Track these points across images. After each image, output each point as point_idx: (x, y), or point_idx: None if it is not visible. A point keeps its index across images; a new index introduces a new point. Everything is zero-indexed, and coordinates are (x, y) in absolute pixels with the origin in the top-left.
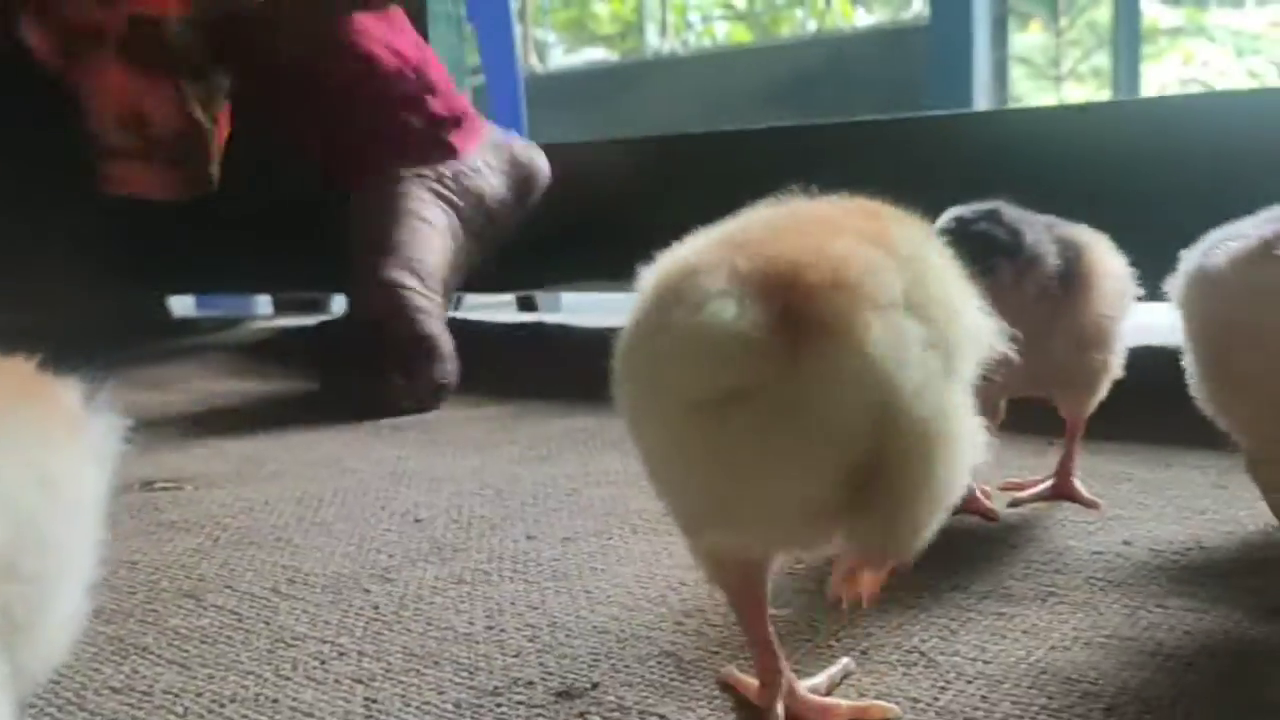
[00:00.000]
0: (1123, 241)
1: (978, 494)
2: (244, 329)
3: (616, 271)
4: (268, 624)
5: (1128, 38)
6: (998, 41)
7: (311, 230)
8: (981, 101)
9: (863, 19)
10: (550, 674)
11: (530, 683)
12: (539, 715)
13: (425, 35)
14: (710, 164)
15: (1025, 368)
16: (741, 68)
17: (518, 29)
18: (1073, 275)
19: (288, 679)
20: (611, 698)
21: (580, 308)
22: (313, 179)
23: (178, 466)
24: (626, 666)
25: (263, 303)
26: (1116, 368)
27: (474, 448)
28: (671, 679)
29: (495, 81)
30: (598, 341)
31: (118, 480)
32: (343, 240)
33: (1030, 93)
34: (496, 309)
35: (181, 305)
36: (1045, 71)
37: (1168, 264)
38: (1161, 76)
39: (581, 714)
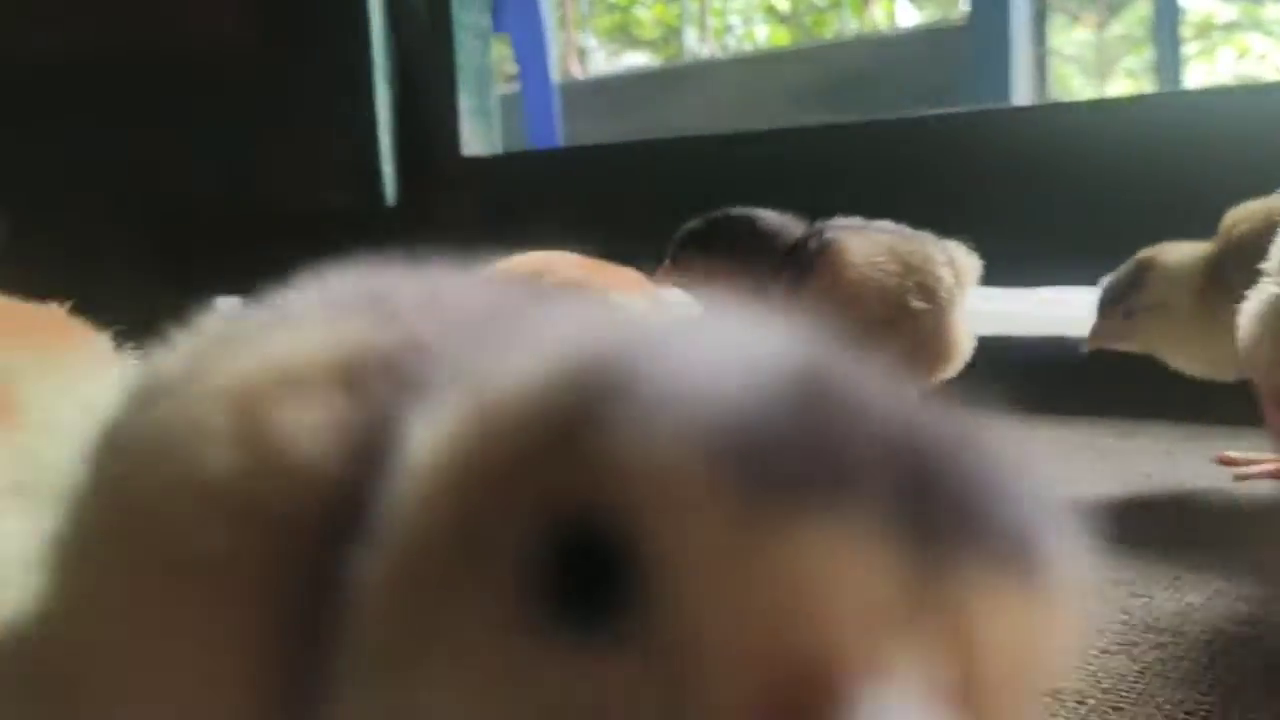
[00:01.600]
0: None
1: None
2: None
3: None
4: None
5: (1168, 32)
6: (1037, 38)
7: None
8: (1020, 99)
9: (911, 18)
10: None
11: None
12: None
13: (450, 46)
14: (736, 164)
15: None
16: (782, 70)
17: (558, 36)
18: (803, 275)
19: None
20: None
21: None
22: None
23: None
24: None
25: None
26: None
27: None
28: None
29: (530, 89)
30: None
31: None
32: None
33: (1076, 90)
34: None
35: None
36: (1092, 68)
37: None
38: (1215, 71)
39: None
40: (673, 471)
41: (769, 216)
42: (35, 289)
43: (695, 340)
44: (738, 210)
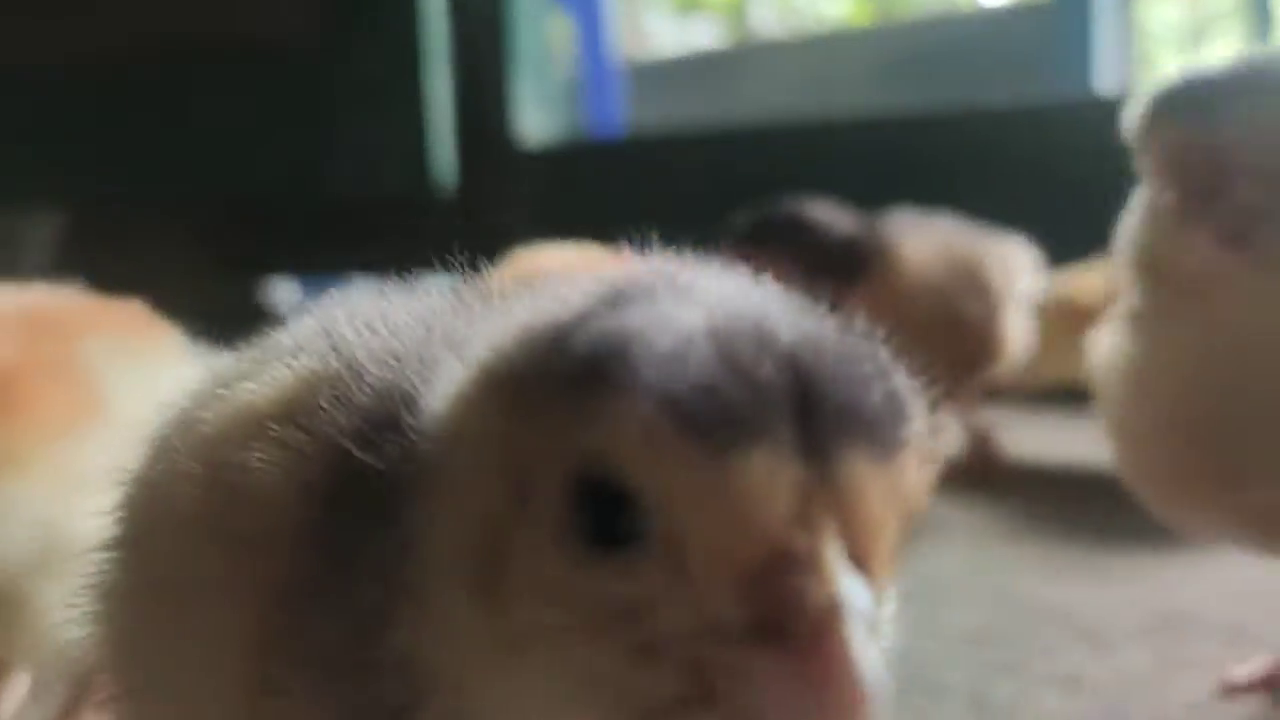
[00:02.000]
0: None
1: None
2: None
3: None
4: None
5: (1261, 9)
6: (1124, 18)
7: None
8: (1104, 80)
9: None
10: None
11: None
12: None
13: (508, 33)
14: (801, 152)
15: None
16: (856, 52)
17: (621, 15)
18: (855, 274)
19: None
20: None
21: None
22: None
23: None
24: None
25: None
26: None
27: None
28: None
29: (592, 72)
30: None
31: None
32: None
33: (1164, 70)
34: None
35: (286, 298)
36: (1182, 47)
37: None
38: None
39: None
40: (649, 433)
41: (821, 210)
42: (108, 278)
43: (649, 321)
44: (790, 202)
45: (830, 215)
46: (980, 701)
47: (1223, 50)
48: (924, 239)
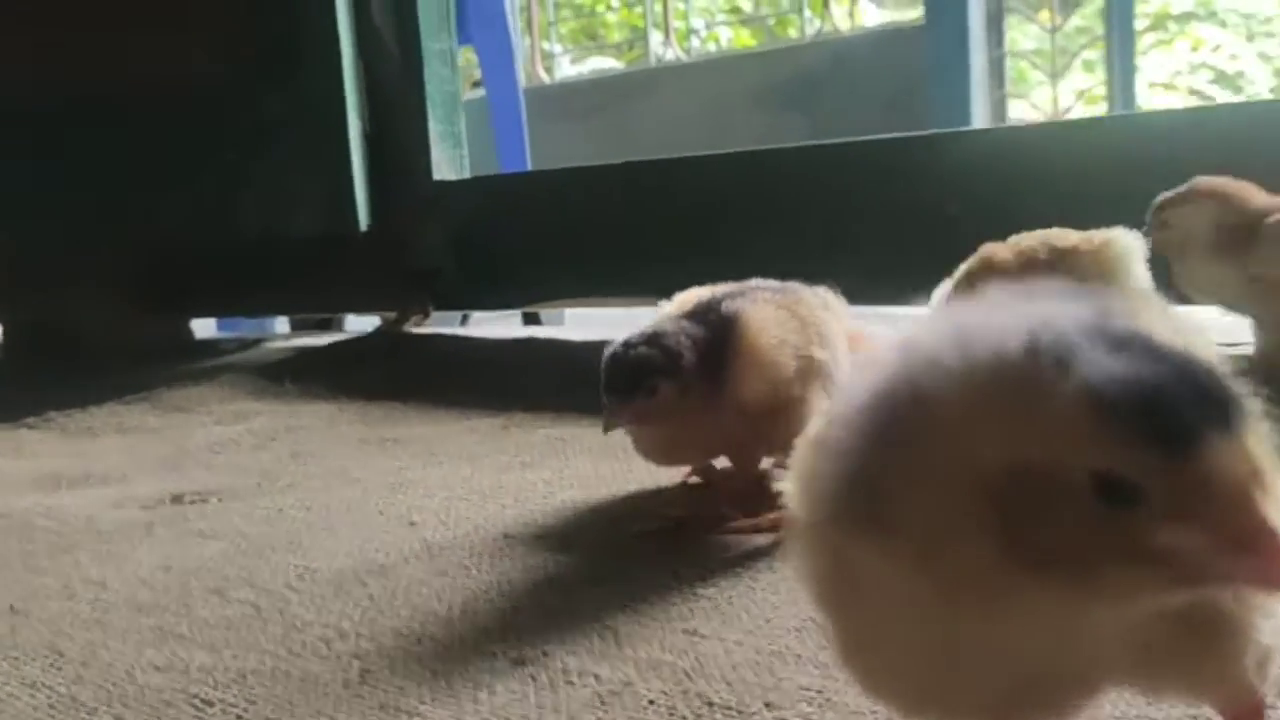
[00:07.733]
0: None
1: None
2: (262, 349)
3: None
4: (281, 613)
5: (1120, 30)
6: (994, 40)
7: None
8: (978, 100)
9: (874, 17)
10: (510, 646)
11: (493, 654)
12: (499, 678)
13: (420, 74)
14: (702, 186)
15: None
16: (745, 73)
17: (525, 42)
18: (723, 355)
19: (298, 655)
20: (558, 663)
21: (581, 321)
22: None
23: (204, 482)
24: (572, 638)
25: (280, 322)
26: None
27: (466, 458)
28: (608, 648)
29: (497, 99)
30: (584, 353)
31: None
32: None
33: (1031, 90)
34: (501, 323)
35: (203, 327)
36: (1050, 64)
37: None
38: (1171, 63)
39: (532, 675)
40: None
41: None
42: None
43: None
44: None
45: (671, 337)
46: None
47: (1088, 66)
48: (762, 304)
